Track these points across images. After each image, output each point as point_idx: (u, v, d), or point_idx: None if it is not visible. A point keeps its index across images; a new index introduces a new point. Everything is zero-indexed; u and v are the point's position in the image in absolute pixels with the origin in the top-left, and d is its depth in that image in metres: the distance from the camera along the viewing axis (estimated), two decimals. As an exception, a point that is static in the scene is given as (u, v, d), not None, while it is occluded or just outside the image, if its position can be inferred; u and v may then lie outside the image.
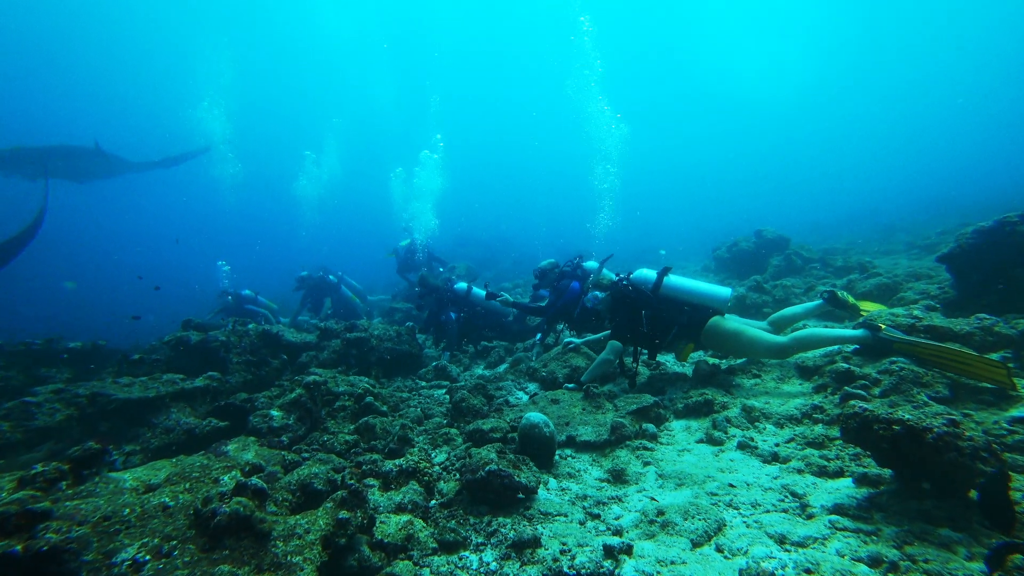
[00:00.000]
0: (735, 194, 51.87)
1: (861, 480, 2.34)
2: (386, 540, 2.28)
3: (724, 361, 4.54)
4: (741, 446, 2.98)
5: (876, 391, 2.97)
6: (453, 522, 2.53)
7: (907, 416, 1.98)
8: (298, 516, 2.20)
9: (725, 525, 2.27)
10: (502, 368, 6.05)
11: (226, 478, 2.25)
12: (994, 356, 2.94)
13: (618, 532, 2.37)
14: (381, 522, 2.40)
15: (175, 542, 1.72)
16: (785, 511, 2.31)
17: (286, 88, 54.56)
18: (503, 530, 2.42)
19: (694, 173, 62.53)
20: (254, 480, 2.19)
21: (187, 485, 2.07)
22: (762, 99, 54.61)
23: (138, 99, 53.53)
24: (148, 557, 1.63)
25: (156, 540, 1.69)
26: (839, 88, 54.09)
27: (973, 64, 49.25)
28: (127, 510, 1.74)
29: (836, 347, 3.84)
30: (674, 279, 4.33)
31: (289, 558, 1.94)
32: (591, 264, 6.10)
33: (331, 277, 10.80)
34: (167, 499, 1.89)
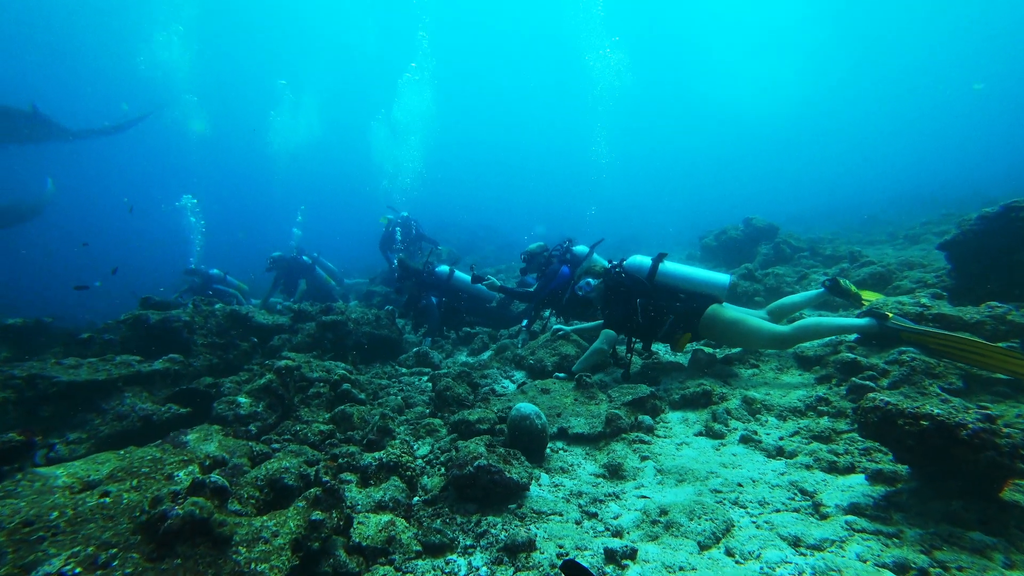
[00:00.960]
0: (715, 185, 52.42)
1: (875, 477, 2.21)
2: (365, 543, 2.05)
3: (719, 350, 4.41)
4: (744, 439, 2.83)
5: (884, 382, 2.85)
6: (438, 521, 2.32)
7: (937, 411, 1.83)
8: (265, 517, 1.96)
9: (733, 526, 2.11)
10: (486, 355, 5.83)
11: (182, 474, 1.99)
12: (1001, 345, 2.83)
13: (618, 533, 2.19)
14: (359, 522, 2.17)
15: (115, 550, 1.46)
16: (796, 510, 2.16)
17: (258, 25, 45.99)
18: (493, 531, 2.22)
19: (676, 163, 62.94)
20: (214, 477, 1.92)
21: (134, 482, 1.80)
22: (746, 94, 55.17)
23: (75, 30, 41.77)
24: (78, 570, 1.37)
25: (91, 549, 1.43)
26: (822, 87, 54.95)
27: (948, 63, 50.44)
28: (55, 513, 1.47)
29: (835, 337, 3.73)
30: (670, 266, 4.16)
31: (253, 566, 1.69)
32: (581, 249, 5.89)
33: (305, 258, 10.38)
34: (108, 499, 1.62)
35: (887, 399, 2.01)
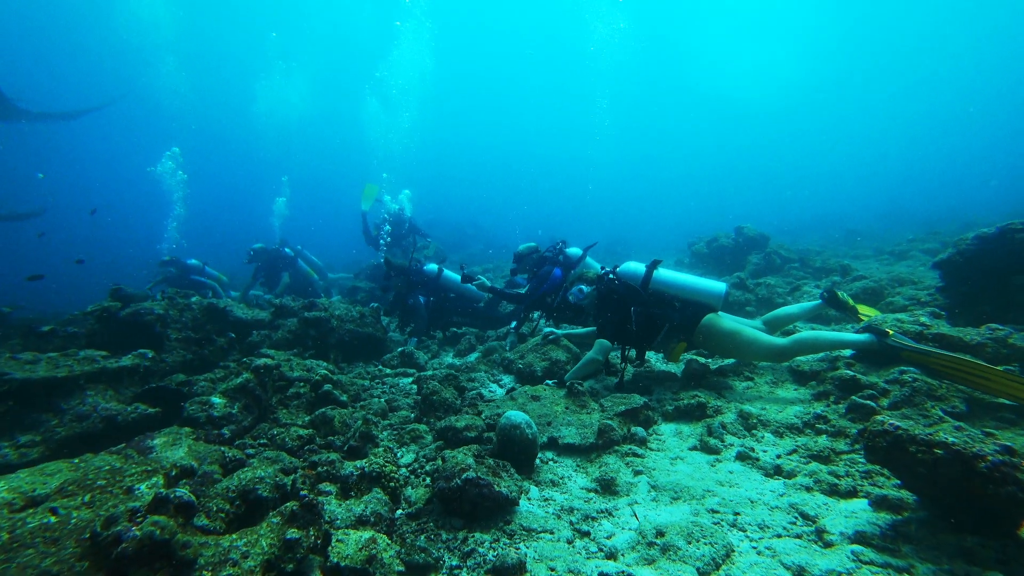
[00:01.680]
0: (703, 192, 52.96)
1: (879, 503, 2.12)
2: (343, 563, 1.90)
3: (711, 360, 4.33)
4: (741, 456, 2.74)
5: (885, 402, 2.79)
6: (423, 538, 2.18)
7: (952, 439, 1.74)
8: (235, 535, 1.80)
9: (733, 551, 2.01)
10: (473, 357, 5.69)
11: (143, 487, 1.81)
12: (1000, 369, 2.78)
13: (612, 555, 2.07)
14: (338, 540, 2.01)
15: (59, 581, 1.30)
16: (799, 536, 2.06)
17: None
18: (481, 549, 2.10)
19: (664, 168, 63.46)
20: (179, 491, 1.76)
21: (87, 497, 1.62)
22: (737, 98, 55.71)
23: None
24: (15, 605, 1.20)
25: (30, 580, 1.26)
26: (814, 95, 55.74)
27: (941, 78, 51.49)
28: (-10, 538, 1.30)
29: (829, 352, 3.67)
30: (665, 273, 4.06)
31: (218, 593, 1.54)
32: (574, 251, 5.78)
33: (288, 250, 10.09)
34: (54, 518, 1.45)
35: (897, 423, 1.93)
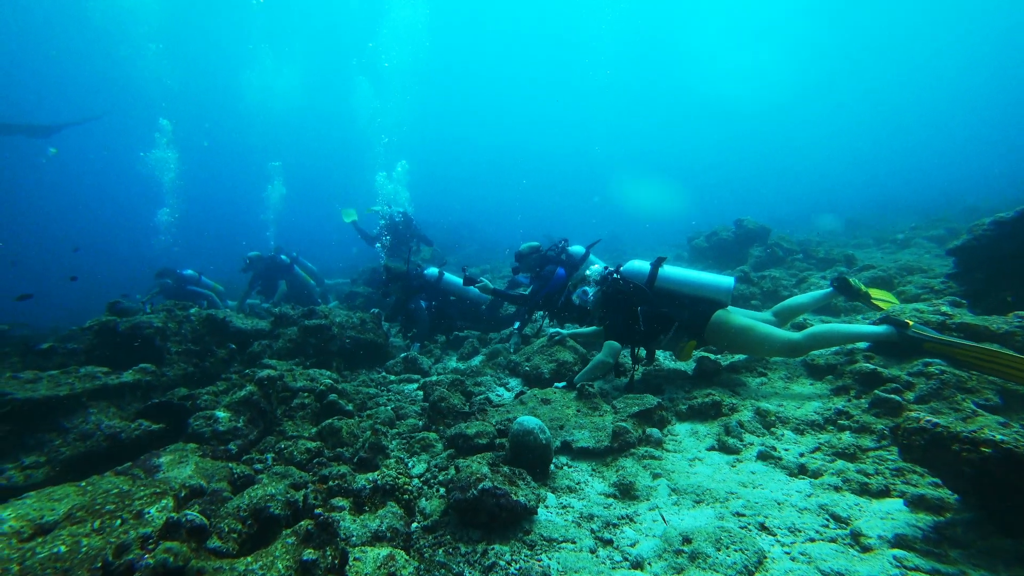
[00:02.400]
0: (692, 189, 52.91)
1: (917, 503, 2.05)
2: (362, 584, 1.82)
3: (721, 357, 4.26)
4: (762, 456, 2.67)
5: (910, 396, 2.72)
6: (441, 552, 2.11)
7: (999, 436, 1.67)
8: (250, 559, 1.72)
9: (766, 557, 1.93)
10: (476, 361, 5.61)
11: (153, 510, 1.73)
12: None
13: (638, 565, 2.00)
14: (355, 558, 1.93)
15: (68, 618, 1.22)
16: (833, 540, 1.99)
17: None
18: (501, 563, 2.02)
19: (656, 164, 63.43)
20: (191, 514, 1.68)
21: (96, 523, 1.54)
22: (731, 95, 55.80)
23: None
24: (22, 648, 1.12)
25: (37, 619, 1.18)
26: (806, 89, 55.92)
27: (931, 70, 51.73)
28: (-7, 576, 1.22)
29: (843, 346, 3.60)
30: (670, 270, 3.97)
31: (236, 621, 1.46)
32: (576, 249, 5.71)
33: (283, 257, 9.97)
34: (64, 547, 1.37)
35: (934, 420, 1.86)
